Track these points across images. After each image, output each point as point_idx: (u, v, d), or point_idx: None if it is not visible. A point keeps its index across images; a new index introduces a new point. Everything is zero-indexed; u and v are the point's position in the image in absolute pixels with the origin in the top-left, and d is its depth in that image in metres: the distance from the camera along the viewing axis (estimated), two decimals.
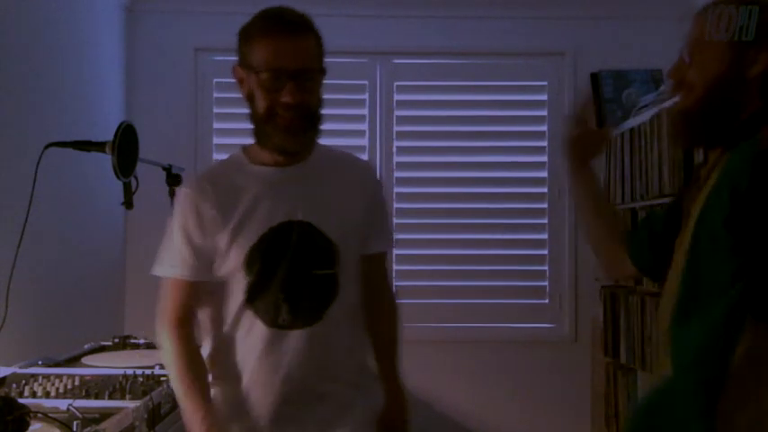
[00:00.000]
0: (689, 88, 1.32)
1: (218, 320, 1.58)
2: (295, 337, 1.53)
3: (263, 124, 1.53)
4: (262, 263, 1.53)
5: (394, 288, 1.85)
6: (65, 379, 1.83)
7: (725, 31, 1.27)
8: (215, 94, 3.33)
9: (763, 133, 1.20)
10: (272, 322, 1.53)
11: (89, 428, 1.39)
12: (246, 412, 1.56)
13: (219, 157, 3.33)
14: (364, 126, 3.41)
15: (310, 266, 1.54)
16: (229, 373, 1.57)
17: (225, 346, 1.57)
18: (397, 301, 1.83)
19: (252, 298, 1.54)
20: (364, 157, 3.35)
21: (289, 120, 1.52)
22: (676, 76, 1.38)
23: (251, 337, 1.54)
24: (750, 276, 1.13)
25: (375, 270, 1.71)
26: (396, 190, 3.40)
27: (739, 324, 1.13)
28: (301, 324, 1.54)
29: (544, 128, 3.39)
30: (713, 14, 1.29)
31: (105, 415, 1.50)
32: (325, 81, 1.63)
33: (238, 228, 1.54)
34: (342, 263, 1.57)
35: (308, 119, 1.56)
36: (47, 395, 1.69)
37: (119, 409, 1.54)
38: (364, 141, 3.39)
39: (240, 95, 1.58)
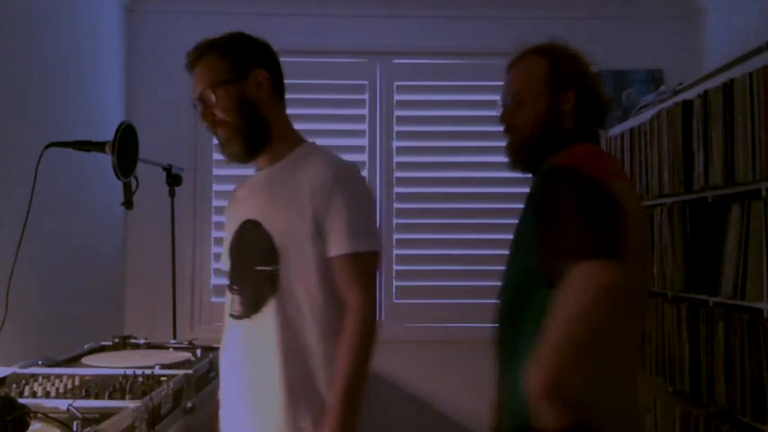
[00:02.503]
0: (518, 130, 1.63)
1: None
2: (243, 327, 1.65)
3: None
4: (230, 256, 1.74)
5: (363, 300, 1.58)
6: (65, 379, 1.83)
7: (540, 81, 1.60)
8: None
9: (552, 158, 1.52)
10: (230, 311, 1.70)
11: (89, 428, 1.39)
12: (222, 402, 1.73)
13: (219, 157, 3.34)
14: (364, 126, 3.41)
15: (253, 263, 1.64)
16: None
17: None
18: (367, 316, 1.58)
19: (229, 288, 1.73)
20: (364, 157, 3.37)
21: (215, 136, 1.70)
22: (506, 121, 1.65)
23: (226, 326, 1.73)
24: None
25: (337, 276, 1.60)
26: (396, 190, 3.40)
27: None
28: (247, 315, 1.65)
29: None
30: (526, 66, 1.62)
31: (105, 415, 1.49)
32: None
33: (227, 225, 1.79)
34: (283, 262, 1.60)
35: (227, 132, 1.66)
36: (47, 395, 1.69)
37: (119, 409, 1.54)
38: (364, 141, 3.39)
39: None
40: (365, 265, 1.60)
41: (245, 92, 1.65)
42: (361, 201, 1.63)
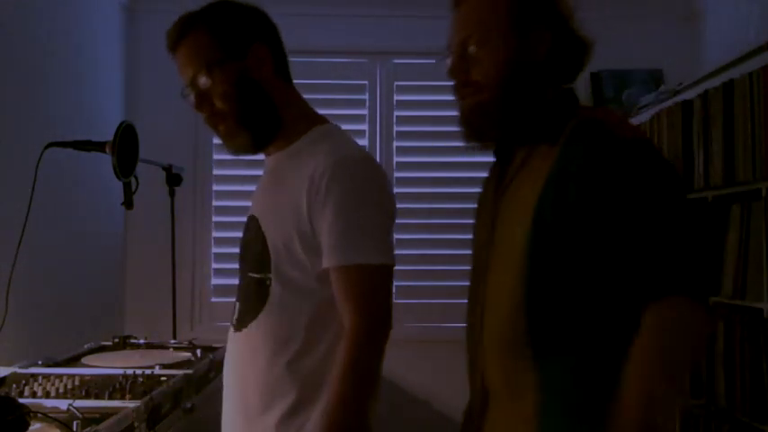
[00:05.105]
0: (477, 87, 1.21)
1: None
2: (236, 339, 1.44)
3: None
4: (238, 257, 1.52)
5: (356, 322, 1.30)
6: (65, 379, 1.83)
7: (503, 15, 1.19)
8: None
9: (583, 118, 1.15)
10: (231, 319, 1.49)
11: (89, 428, 1.39)
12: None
13: (219, 157, 3.34)
14: (364, 126, 3.41)
15: (248, 267, 1.43)
16: None
17: None
18: (362, 341, 1.30)
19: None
20: None
21: (214, 129, 1.45)
22: (459, 76, 1.24)
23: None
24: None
25: (334, 289, 1.34)
26: (396, 190, 3.40)
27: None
28: (241, 326, 1.42)
29: None
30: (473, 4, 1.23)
31: (105, 415, 1.49)
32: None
33: None
34: (274, 270, 1.36)
35: (230, 122, 1.41)
36: (47, 395, 1.69)
37: (119, 409, 1.54)
38: (364, 142, 3.39)
39: None
40: (361, 279, 1.31)
41: (246, 72, 1.40)
42: (357, 201, 1.34)
